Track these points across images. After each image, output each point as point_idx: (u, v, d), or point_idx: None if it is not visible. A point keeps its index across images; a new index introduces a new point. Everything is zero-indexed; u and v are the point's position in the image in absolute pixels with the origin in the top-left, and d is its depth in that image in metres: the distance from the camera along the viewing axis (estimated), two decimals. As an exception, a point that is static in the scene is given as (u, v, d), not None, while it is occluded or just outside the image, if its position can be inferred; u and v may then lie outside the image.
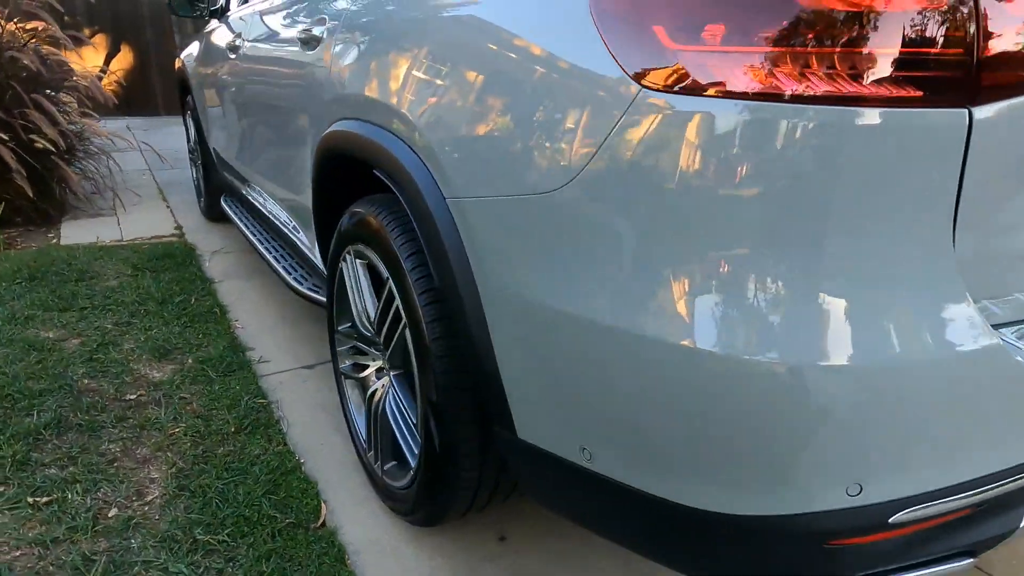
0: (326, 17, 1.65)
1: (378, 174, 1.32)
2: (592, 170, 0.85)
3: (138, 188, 4.74)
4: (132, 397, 2.07)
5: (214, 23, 3.21)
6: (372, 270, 1.53)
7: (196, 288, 2.94)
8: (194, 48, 3.58)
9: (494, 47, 1.01)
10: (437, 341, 1.24)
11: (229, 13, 3.03)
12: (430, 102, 1.13)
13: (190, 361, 2.30)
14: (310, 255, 2.12)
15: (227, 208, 3.22)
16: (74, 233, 3.75)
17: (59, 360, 2.23)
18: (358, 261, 1.55)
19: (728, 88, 0.74)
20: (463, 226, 1.09)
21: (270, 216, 2.53)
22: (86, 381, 2.13)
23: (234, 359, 2.32)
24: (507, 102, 0.97)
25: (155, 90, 8.57)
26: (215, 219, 3.96)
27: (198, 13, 3.07)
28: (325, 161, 1.63)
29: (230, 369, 2.26)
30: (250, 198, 2.79)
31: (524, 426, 1.09)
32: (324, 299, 2.07)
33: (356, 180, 1.70)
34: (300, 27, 1.80)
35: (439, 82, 1.11)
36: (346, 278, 1.63)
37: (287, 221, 2.28)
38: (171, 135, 7.02)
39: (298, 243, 2.24)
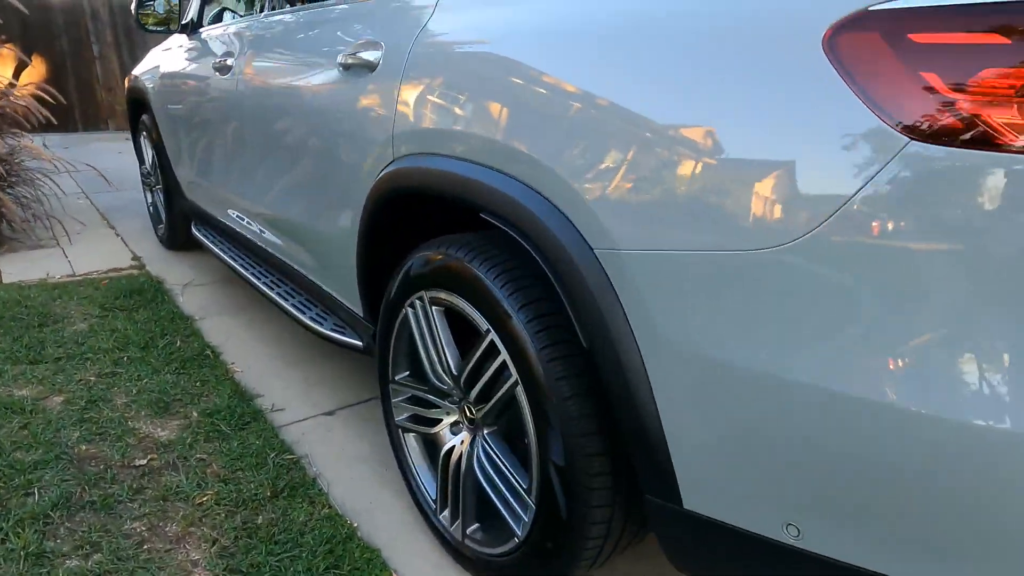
0: (381, 42, 1.50)
1: (490, 219, 1.20)
2: (832, 227, 0.77)
3: (78, 214, 4.34)
4: (142, 463, 1.84)
5: (181, 39, 2.96)
6: (452, 316, 1.40)
7: (178, 328, 2.68)
8: (154, 63, 3.29)
9: (673, 78, 0.92)
10: (569, 401, 1.13)
11: (203, 29, 2.80)
12: (575, 144, 1.02)
13: (195, 415, 2.08)
14: (335, 294, 1.95)
15: (204, 239, 2.97)
16: (17, 269, 3.38)
17: (46, 423, 1.96)
18: (435, 308, 1.42)
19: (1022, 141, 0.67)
20: (621, 279, 0.99)
21: (270, 250, 2.33)
22: (84, 447, 1.88)
23: (244, 409, 2.11)
24: (705, 153, 0.87)
25: (72, 104, 7.96)
26: (177, 248, 3.67)
27: (166, 28, 2.82)
28: (385, 199, 1.48)
29: (243, 421, 2.05)
30: (238, 230, 2.57)
31: (694, 496, 1.00)
32: (353, 341, 1.91)
33: (419, 219, 1.57)
34: (340, 51, 1.64)
35: (589, 121, 1.01)
36: (413, 326, 1.49)
37: (300, 258, 2.10)
38: (95, 153, 6.53)
39: (313, 280, 2.07)
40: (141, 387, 2.20)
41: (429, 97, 1.32)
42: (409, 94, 1.37)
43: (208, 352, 2.48)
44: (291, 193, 2.00)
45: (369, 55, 1.52)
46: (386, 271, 1.67)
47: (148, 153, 3.63)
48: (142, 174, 3.85)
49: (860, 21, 0.75)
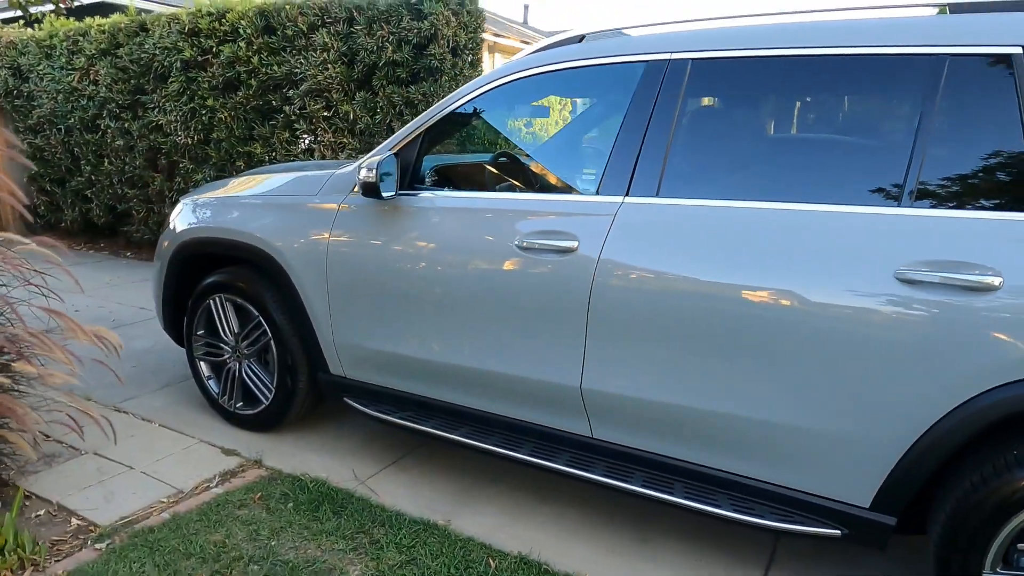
0: (999, 270, 1.59)
1: None
2: None
3: (59, 397, 3.24)
4: None
5: (351, 197, 2.52)
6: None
7: (452, 543, 2.24)
8: (263, 215, 2.69)
9: None
10: None
11: (429, 195, 2.42)
12: None
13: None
14: (807, 490, 1.91)
15: (392, 418, 2.53)
16: (86, 500, 2.45)
17: None
18: None
19: None
20: None
21: (618, 444, 2.15)
22: None
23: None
24: None
25: None
26: (272, 429, 2.99)
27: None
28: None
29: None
30: (527, 420, 2.30)
31: None
32: (827, 531, 1.89)
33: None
34: (898, 264, 1.70)
35: None
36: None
37: (736, 458, 1.99)
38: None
39: (750, 477, 1.99)
40: (560, 638, 1.86)
41: None
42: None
43: (545, 568, 2.15)
44: (753, 398, 1.90)
45: (978, 277, 1.61)
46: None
47: (228, 319, 2.92)
48: (204, 344, 3.05)
49: None
